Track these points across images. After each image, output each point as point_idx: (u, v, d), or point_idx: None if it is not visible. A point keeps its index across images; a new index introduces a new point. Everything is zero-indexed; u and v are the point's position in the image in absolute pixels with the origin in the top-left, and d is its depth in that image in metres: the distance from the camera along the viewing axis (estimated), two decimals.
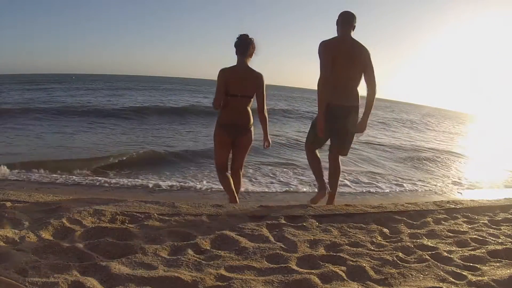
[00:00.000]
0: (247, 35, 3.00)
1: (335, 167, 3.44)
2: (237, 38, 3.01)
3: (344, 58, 3.01)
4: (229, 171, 3.33)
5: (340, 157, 3.52)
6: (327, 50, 3.03)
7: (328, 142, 3.48)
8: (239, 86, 2.96)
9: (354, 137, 3.40)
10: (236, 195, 3.34)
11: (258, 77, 3.01)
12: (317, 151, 3.42)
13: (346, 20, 3.07)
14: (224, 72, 2.97)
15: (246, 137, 3.12)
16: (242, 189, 3.59)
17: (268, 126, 3.21)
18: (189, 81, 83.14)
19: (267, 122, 3.16)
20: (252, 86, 2.99)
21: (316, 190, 3.58)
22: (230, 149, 3.22)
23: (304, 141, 3.59)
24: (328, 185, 3.44)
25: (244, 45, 2.99)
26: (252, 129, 3.19)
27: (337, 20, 3.13)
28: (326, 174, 3.63)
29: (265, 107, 3.08)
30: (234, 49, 3.01)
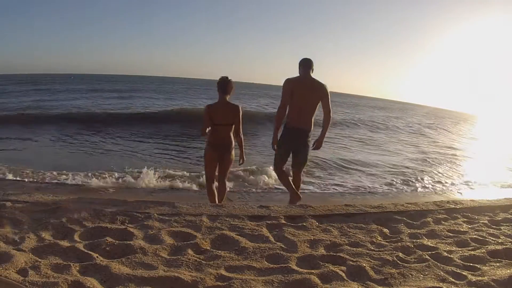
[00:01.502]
0: (227, 77, 3.74)
1: (297, 180, 4.09)
2: (219, 79, 3.75)
3: (302, 92, 3.78)
4: (216, 183, 4.04)
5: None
6: (288, 85, 3.82)
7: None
8: (222, 117, 3.72)
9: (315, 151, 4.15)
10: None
11: (235, 109, 3.75)
12: (284, 168, 4.04)
13: (306, 65, 3.85)
14: (209, 108, 3.75)
15: (229, 155, 3.83)
16: (228, 188, 4.35)
17: (243, 146, 3.94)
18: (190, 81, 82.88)
19: (242, 143, 3.91)
20: (231, 116, 3.74)
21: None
22: (216, 164, 3.89)
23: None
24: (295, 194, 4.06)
25: (224, 86, 3.72)
26: (233, 150, 3.88)
27: (299, 63, 3.89)
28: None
29: (241, 131, 3.84)
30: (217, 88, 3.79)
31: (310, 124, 3.85)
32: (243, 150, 3.92)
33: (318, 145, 3.95)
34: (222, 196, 4.04)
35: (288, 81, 3.83)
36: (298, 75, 3.91)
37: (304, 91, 3.76)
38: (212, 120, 3.70)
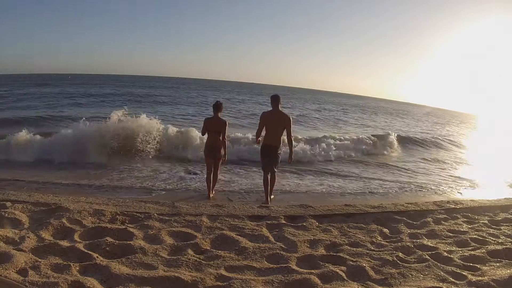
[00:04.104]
0: (219, 101, 5.40)
1: (271, 178, 5.24)
2: (214, 103, 5.32)
3: (273, 121, 5.16)
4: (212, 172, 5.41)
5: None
6: (262, 118, 5.27)
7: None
8: (213, 126, 5.17)
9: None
10: (210, 190, 5.30)
11: (223, 122, 5.20)
12: (268, 176, 5.23)
13: (275, 101, 5.25)
14: (206, 120, 5.27)
15: (219, 154, 5.24)
16: (220, 179, 5.59)
17: (226, 149, 5.36)
18: (187, 80, 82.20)
19: (226, 147, 5.34)
20: (220, 127, 5.16)
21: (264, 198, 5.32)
22: (211, 160, 5.27)
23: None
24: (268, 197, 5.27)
25: (217, 107, 5.20)
26: (221, 149, 5.24)
27: (270, 100, 5.33)
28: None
29: (226, 139, 5.30)
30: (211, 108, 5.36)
31: (279, 142, 5.23)
32: (226, 150, 5.35)
33: (290, 160, 5.28)
34: (215, 182, 5.38)
35: (264, 114, 5.36)
36: (271, 108, 5.25)
37: (274, 120, 5.16)
38: (207, 128, 5.22)
